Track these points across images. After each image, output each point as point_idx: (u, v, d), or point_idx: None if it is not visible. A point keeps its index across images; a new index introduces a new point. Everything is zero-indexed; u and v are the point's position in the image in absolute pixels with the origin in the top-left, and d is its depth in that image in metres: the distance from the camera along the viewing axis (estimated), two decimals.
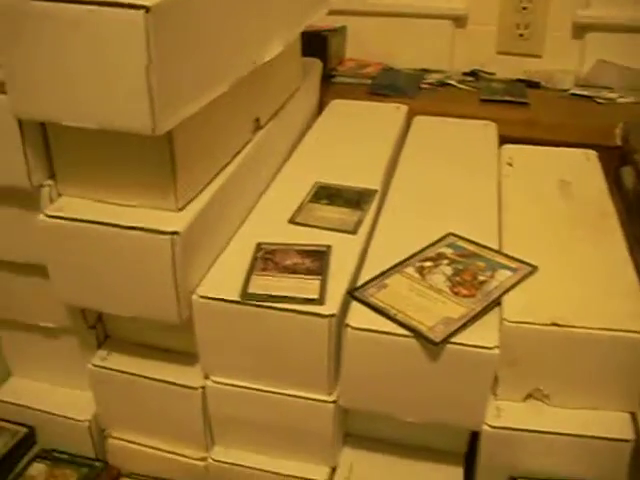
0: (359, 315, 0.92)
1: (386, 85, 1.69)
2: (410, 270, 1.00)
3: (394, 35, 1.84)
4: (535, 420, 0.93)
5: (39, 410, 1.15)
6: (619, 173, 1.41)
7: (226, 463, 1.06)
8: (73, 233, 0.92)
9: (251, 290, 0.94)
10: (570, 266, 1.01)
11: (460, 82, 1.75)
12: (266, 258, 1.01)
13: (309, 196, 1.17)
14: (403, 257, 1.02)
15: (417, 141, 1.43)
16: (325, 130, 1.45)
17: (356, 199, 1.16)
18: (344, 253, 1.03)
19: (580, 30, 1.73)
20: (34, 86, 0.82)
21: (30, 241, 0.96)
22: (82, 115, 0.83)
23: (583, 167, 1.32)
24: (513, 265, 1.00)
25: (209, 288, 0.96)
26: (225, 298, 0.94)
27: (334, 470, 1.05)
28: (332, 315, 0.91)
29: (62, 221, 0.92)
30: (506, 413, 0.94)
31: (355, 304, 0.94)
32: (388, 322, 0.91)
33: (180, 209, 0.93)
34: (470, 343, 0.88)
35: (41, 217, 0.93)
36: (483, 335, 0.89)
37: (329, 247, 1.03)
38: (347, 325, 0.91)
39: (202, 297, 0.95)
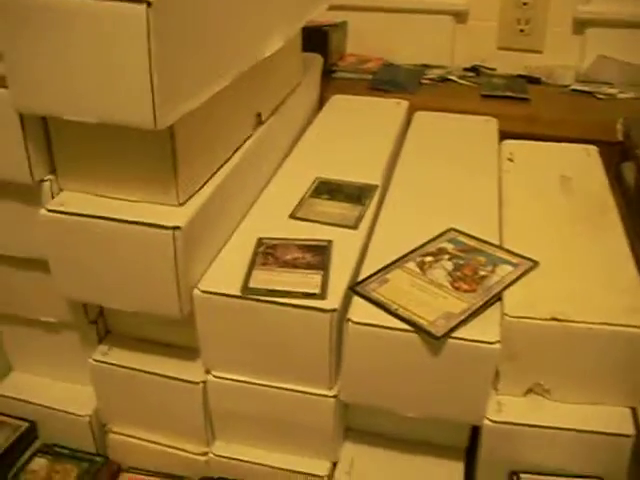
0: (360, 310, 0.92)
1: (387, 80, 1.69)
2: (411, 265, 1.00)
3: (395, 30, 1.84)
4: (536, 415, 0.94)
5: (40, 405, 1.15)
6: (620, 168, 1.41)
7: (227, 458, 1.07)
8: (74, 228, 0.92)
9: (252, 285, 0.94)
10: (571, 261, 1.01)
11: (461, 78, 1.75)
12: (267, 253, 1.01)
13: (310, 191, 1.17)
14: (404, 252, 1.02)
15: (418, 136, 1.43)
16: (326, 125, 1.45)
17: (357, 194, 1.16)
18: (345, 248, 1.03)
19: (580, 26, 1.73)
20: (35, 80, 0.82)
21: (31, 236, 0.96)
22: (83, 109, 0.82)
23: (584, 162, 1.32)
24: (514, 260, 1.00)
25: (210, 283, 0.96)
26: (226, 293, 0.94)
27: (335, 465, 1.05)
28: (333, 310, 0.91)
29: (63, 216, 0.92)
30: (507, 408, 0.94)
31: (356, 299, 0.94)
32: (389, 317, 0.91)
33: (181, 204, 0.93)
34: (471, 338, 0.88)
35: (42, 212, 0.92)
36: (484, 330, 0.89)
37: (330, 242, 1.03)
38: (348, 320, 0.91)
39: (203, 292, 0.95)
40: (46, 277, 0.99)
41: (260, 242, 1.03)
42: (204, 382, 1.02)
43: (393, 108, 1.52)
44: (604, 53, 1.71)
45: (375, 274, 0.98)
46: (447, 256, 1.02)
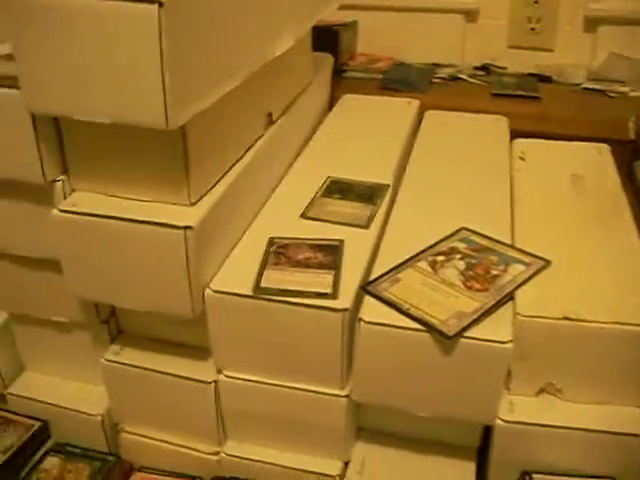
0: (372, 309, 0.92)
1: (397, 80, 1.68)
2: (423, 264, 1.00)
3: (405, 30, 1.84)
4: (548, 415, 0.93)
5: (52, 404, 1.15)
6: (632, 167, 1.40)
7: (239, 457, 1.07)
8: (86, 228, 0.92)
9: (264, 284, 0.94)
10: (583, 260, 1.01)
11: (471, 76, 1.75)
12: (279, 252, 1.01)
13: (321, 191, 1.17)
14: (416, 251, 1.02)
15: (429, 136, 1.42)
16: (337, 125, 1.45)
17: (368, 194, 1.16)
18: (357, 247, 1.03)
19: (592, 23, 1.73)
20: (47, 81, 0.83)
21: (43, 236, 0.97)
22: (95, 110, 0.83)
23: (595, 161, 1.32)
24: (526, 259, 1.00)
25: (222, 282, 0.96)
26: (238, 292, 0.94)
27: (347, 464, 1.05)
28: (345, 309, 0.91)
29: (75, 216, 0.92)
30: (519, 407, 0.94)
31: (368, 298, 0.94)
32: (401, 316, 0.91)
33: (193, 204, 0.93)
34: (483, 337, 0.88)
35: (54, 212, 0.93)
36: (496, 329, 0.89)
37: (342, 241, 1.03)
38: (360, 319, 0.91)
39: (215, 291, 0.95)
40: (58, 277, 0.99)
41: (272, 242, 1.03)
42: (216, 382, 1.02)
43: (404, 107, 1.52)
44: (615, 51, 1.70)
45: (387, 273, 0.98)
46: (459, 255, 1.01)
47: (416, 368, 0.92)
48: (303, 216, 1.10)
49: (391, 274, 0.98)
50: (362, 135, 1.38)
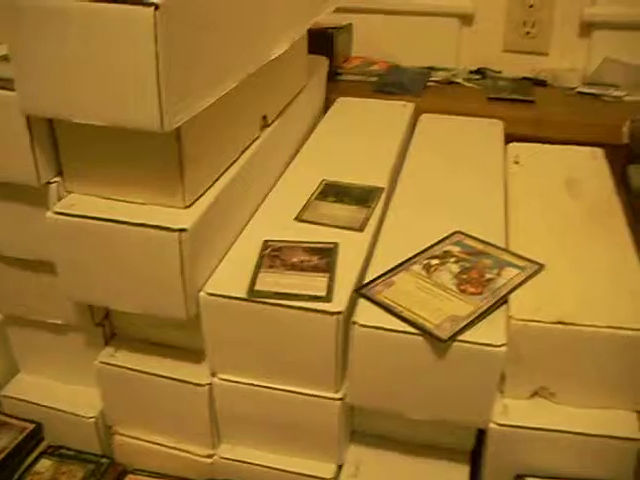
0: (366, 313, 0.92)
1: (392, 83, 1.68)
2: (417, 268, 1.00)
3: (400, 33, 1.84)
4: (541, 418, 0.93)
5: (46, 406, 1.15)
6: (626, 171, 1.41)
7: (233, 460, 1.07)
8: (81, 230, 0.92)
9: (258, 287, 0.94)
10: (577, 264, 1.01)
11: (466, 80, 1.75)
12: (273, 255, 1.01)
13: (316, 193, 1.17)
14: (410, 255, 1.02)
15: (424, 139, 1.43)
16: (331, 128, 1.45)
17: (363, 197, 1.16)
18: (351, 250, 1.03)
19: (587, 28, 1.73)
20: (42, 83, 0.83)
21: (38, 238, 0.97)
22: (90, 112, 0.83)
23: (590, 165, 1.32)
24: (520, 263, 1.00)
25: (216, 285, 0.96)
26: (232, 295, 0.94)
27: (340, 468, 1.05)
28: (339, 312, 0.91)
29: (70, 218, 0.92)
30: (513, 411, 0.94)
31: (362, 302, 0.94)
32: (395, 320, 0.91)
33: (187, 206, 0.93)
34: (477, 341, 0.88)
35: (49, 214, 0.93)
36: (490, 333, 0.89)
37: (336, 244, 1.03)
38: (354, 322, 0.91)
39: (209, 294, 0.95)
40: (53, 279, 0.99)
41: (266, 244, 1.03)
42: (210, 384, 1.02)
43: (399, 110, 1.52)
44: (610, 55, 1.70)
45: (381, 277, 0.98)
46: (453, 259, 1.01)
47: (410, 371, 0.92)
48: (298, 219, 1.10)
49: (385, 277, 0.98)
50: (357, 138, 1.38)
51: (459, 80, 1.75)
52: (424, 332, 0.88)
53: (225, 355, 1.00)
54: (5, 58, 0.84)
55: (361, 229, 1.08)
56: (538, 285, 0.96)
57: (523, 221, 1.12)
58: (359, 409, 1.04)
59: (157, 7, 0.74)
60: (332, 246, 1.03)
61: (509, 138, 1.42)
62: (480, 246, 1.04)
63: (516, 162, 1.32)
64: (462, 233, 1.07)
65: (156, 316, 0.98)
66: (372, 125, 1.45)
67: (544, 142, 1.39)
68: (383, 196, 1.17)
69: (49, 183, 0.94)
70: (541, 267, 0.99)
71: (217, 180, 1.00)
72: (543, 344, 0.91)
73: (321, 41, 1.63)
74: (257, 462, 1.06)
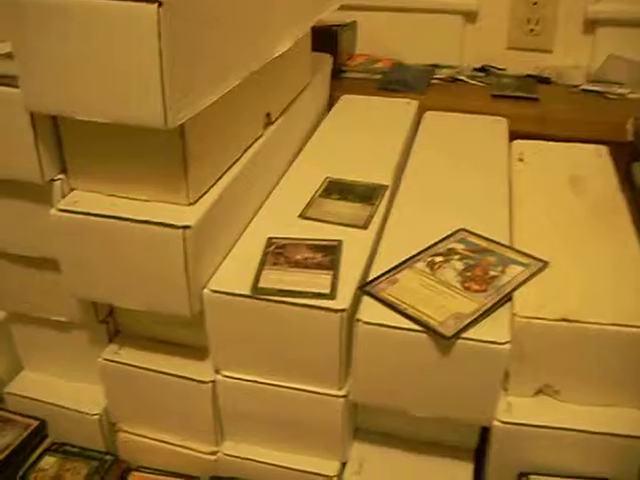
0: (370, 310, 0.92)
1: (396, 80, 1.68)
2: (421, 265, 1.00)
3: (404, 30, 1.84)
4: (545, 416, 0.93)
5: (50, 403, 1.15)
6: (630, 169, 1.40)
7: (236, 457, 1.07)
8: (85, 227, 0.92)
9: (262, 284, 0.94)
10: (581, 261, 1.01)
11: (470, 77, 1.75)
12: (277, 253, 1.01)
13: (320, 191, 1.17)
14: (414, 252, 1.02)
15: (428, 136, 1.43)
16: (335, 125, 1.45)
17: (367, 194, 1.16)
18: (355, 248, 1.03)
19: (591, 25, 1.73)
20: (46, 80, 0.82)
21: (42, 235, 0.97)
22: (94, 109, 0.83)
23: (594, 163, 1.32)
24: (524, 260, 1.00)
25: (220, 282, 0.96)
26: (236, 292, 0.94)
27: (344, 465, 1.05)
28: (343, 310, 0.91)
29: (74, 215, 0.92)
30: (517, 408, 0.94)
31: (366, 299, 0.94)
32: (399, 317, 0.91)
33: (191, 203, 0.93)
34: (481, 338, 0.88)
35: (53, 211, 0.93)
36: (494, 330, 0.89)
37: (340, 242, 1.03)
38: (358, 320, 0.91)
39: (213, 291, 0.95)
40: (56, 276, 0.99)
41: (270, 242, 1.03)
42: (213, 382, 1.02)
43: (403, 108, 1.52)
44: (614, 53, 1.70)
45: (385, 274, 0.98)
46: (457, 256, 1.01)
47: (414, 369, 0.92)
48: (302, 216, 1.10)
49: (389, 275, 0.98)
50: (361, 135, 1.38)
51: (463, 77, 1.75)
52: (428, 329, 0.88)
53: (229, 352, 1.00)
54: (9, 55, 0.84)
55: (365, 226, 1.08)
56: (542, 282, 0.96)
57: (527, 218, 1.12)
58: (363, 406, 1.04)
59: (160, 4, 0.74)
60: (336, 243, 1.03)
61: (513, 135, 1.42)
62: (484, 243, 1.04)
63: (520, 159, 1.32)
64: (466, 230, 1.07)
65: (160, 313, 0.98)
66: (376, 123, 1.45)
67: (548, 139, 1.39)
68: (387, 193, 1.17)
69: (53, 180, 0.94)
70: (545, 264, 0.99)
71: (221, 177, 1.00)
72: (547, 341, 0.90)
73: (325, 38, 1.63)
74: (261, 459, 1.05)
